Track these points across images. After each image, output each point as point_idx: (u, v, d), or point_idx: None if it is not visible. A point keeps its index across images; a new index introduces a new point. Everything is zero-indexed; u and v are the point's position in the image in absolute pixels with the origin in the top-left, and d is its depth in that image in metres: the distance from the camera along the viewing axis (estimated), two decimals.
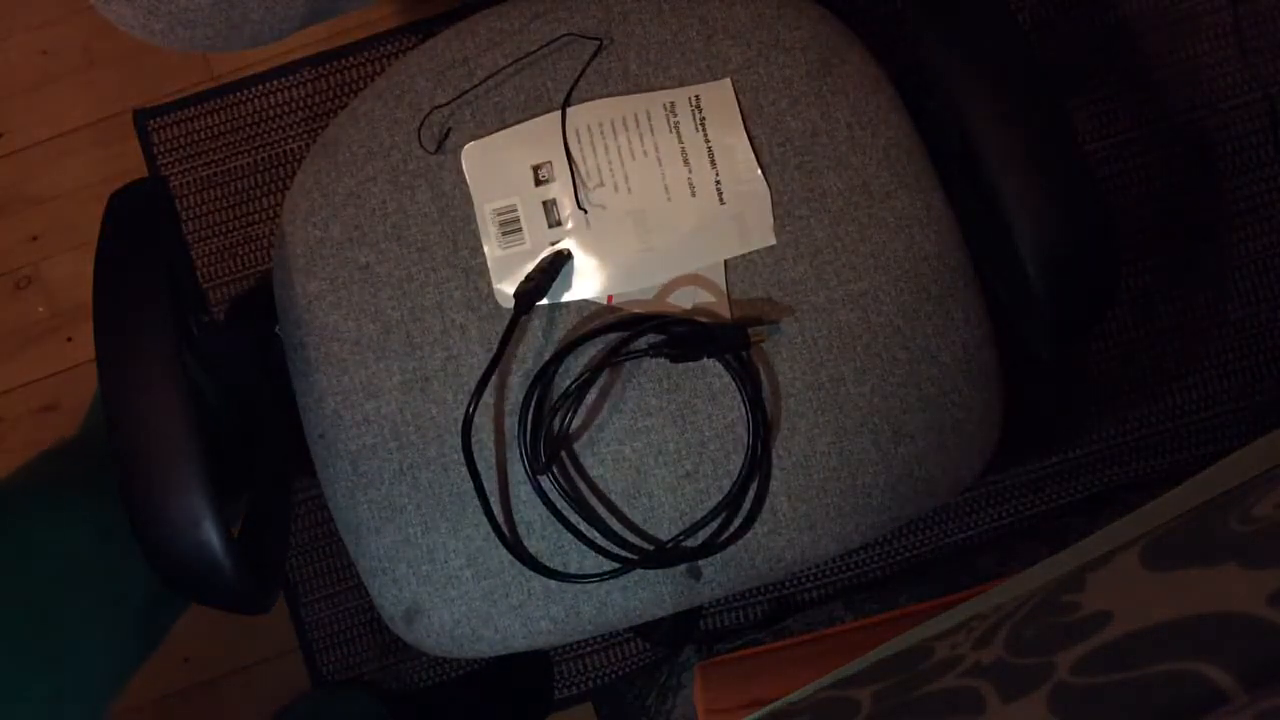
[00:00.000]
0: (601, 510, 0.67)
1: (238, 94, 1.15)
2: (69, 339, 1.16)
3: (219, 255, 1.15)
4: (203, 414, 0.59)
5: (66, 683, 0.70)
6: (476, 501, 0.66)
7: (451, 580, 0.68)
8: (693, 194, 0.68)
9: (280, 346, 0.73)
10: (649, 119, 0.69)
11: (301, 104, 1.15)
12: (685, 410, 0.67)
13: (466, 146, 0.70)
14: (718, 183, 0.68)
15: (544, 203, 0.69)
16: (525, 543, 0.68)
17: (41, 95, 1.17)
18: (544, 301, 0.68)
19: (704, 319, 0.68)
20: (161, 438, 0.58)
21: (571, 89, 0.70)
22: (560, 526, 0.67)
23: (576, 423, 0.67)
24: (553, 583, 0.67)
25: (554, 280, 0.68)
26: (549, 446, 0.67)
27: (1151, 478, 1.11)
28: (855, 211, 0.68)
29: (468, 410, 0.66)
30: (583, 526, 0.67)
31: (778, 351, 0.67)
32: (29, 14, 1.17)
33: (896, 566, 1.12)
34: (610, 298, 0.68)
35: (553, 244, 0.69)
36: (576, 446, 0.68)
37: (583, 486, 0.68)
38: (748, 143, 0.68)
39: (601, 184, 0.69)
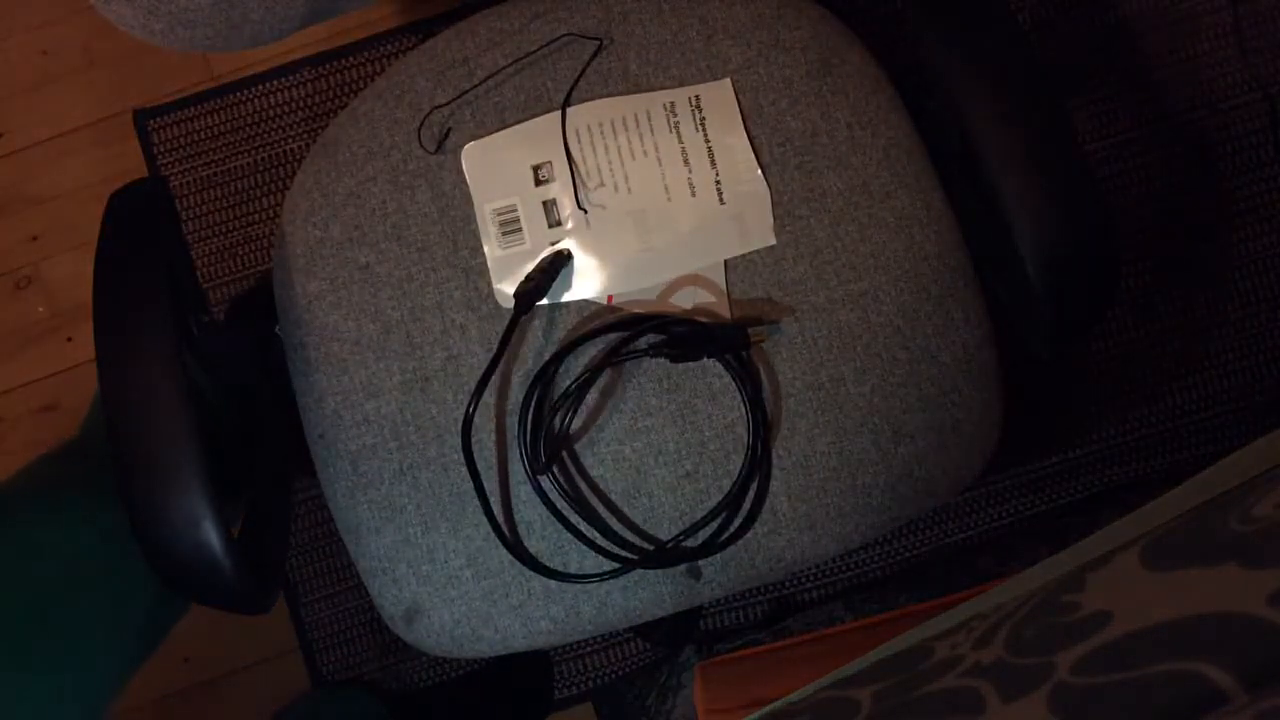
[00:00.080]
0: (601, 510, 0.67)
1: (238, 94, 1.15)
2: (69, 339, 1.16)
3: (219, 255, 1.15)
4: (203, 414, 0.59)
5: (67, 683, 0.70)
6: (476, 501, 0.66)
7: (451, 580, 0.68)
8: (693, 194, 0.68)
9: (280, 346, 0.73)
10: (649, 119, 0.69)
11: (301, 104, 1.15)
12: (685, 410, 0.67)
13: (466, 146, 0.70)
14: (718, 183, 0.68)
15: (544, 203, 0.69)
16: (525, 543, 0.68)
17: (41, 95, 1.17)
18: (544, 301, 0.68)
19: (704, 319, 0.68)
20: (161, 438, 0.58)
21: (571, 89, 0.70)
22: (560, 526, 0.67)
23: (576, 423, 0.67)
24: (553, 583, 0.67)
25: (554, 280, 0.68)
26: (549, 446, 0.67)
27: (1151, 478, 1.11)
28: (855, 211, 0.68)
29: (468, 410, 0.66)
30: (583, 526, 0.67)
31: (778, 351, 0.67)
32: (29, 14, 1.17)
33: (896, 567, 1.12)
34: (610, 298, 0.68)
35: (553, 244, 0.69)
36: (576, 446, 0.68)
37: (583, 486, 0.68)
38: (748, 143, 0.68)
39: (601, 184, 0.69)
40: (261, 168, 1.15)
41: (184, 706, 1.14)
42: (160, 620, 0.82)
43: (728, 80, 0.69)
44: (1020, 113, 0.60)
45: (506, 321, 0.66)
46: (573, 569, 0.67)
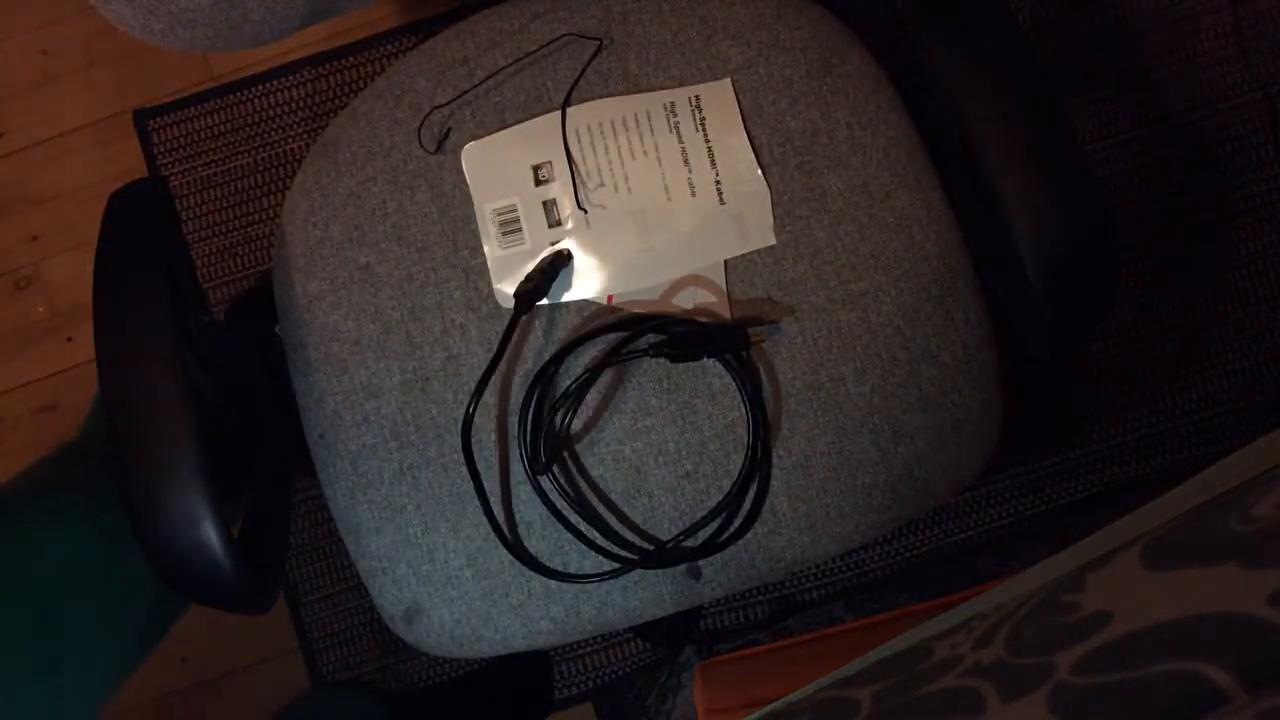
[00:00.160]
0: (601, 510, 0.67)
1: (238, 94, 1.15)
2: (69, 339, 1.16)
3: (219, 255, 1.15)
4: (203, 414, 0.59)
5: (66, 683, 0.70)
6: (476, 501, 0.66)
7: (451, 580, 0.68)
8: (693, 194, 0.68)
9: (280, 346, 0.73)
10: (649, 119, 0.69)
11: (301, 104, 1.15)
12: (685, 410, 0.67)
13: (466, 146, 0.70)
14: (718, 183, 0.68)
15: (544, 203, 0.69)
16: (525, 543, 0.68)
17: (41, 95, 1.17)
18: (544, 301, 0.68)
19: (704, 319, 0.68)
20: (161, 438, 0.58)
21: (571, 89, 0.70)
22: (560, 526, 0.67)
23: (577, 423, 0.67)
24: (553, 583, 0.67)
25: (554, 280, 0.68)
26: (549, 446, 0.67)
27: (1151, 478, 1.11)
28: (855, 211, 0.68)
29: (468, 410, 0.66)
30: (583, 526, 0.67)
31: (778, 351, 0.67)
32: (29, 14, 1.17)
33: (896, 567, 1.12)
34: (610, 298, 0.68)
35: (553, 244, 0.69)
36: (577, 446, 0.68)
37: (583, 486, 0.68)
38: (748, 143, 0.68)
39: (601, 184, 0.69)
40: (261, 168, 1.15)
41: (183, 706, 1.14)
42: (160, 620, 0.82)
43: (728, 80, 0.69)
44: (1020, 113, 0.60)
45: (506, 321, 0.66)
46: (573, 569, 0.67)
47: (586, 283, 0.68)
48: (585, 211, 0.69)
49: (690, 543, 0.67)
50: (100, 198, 0.65)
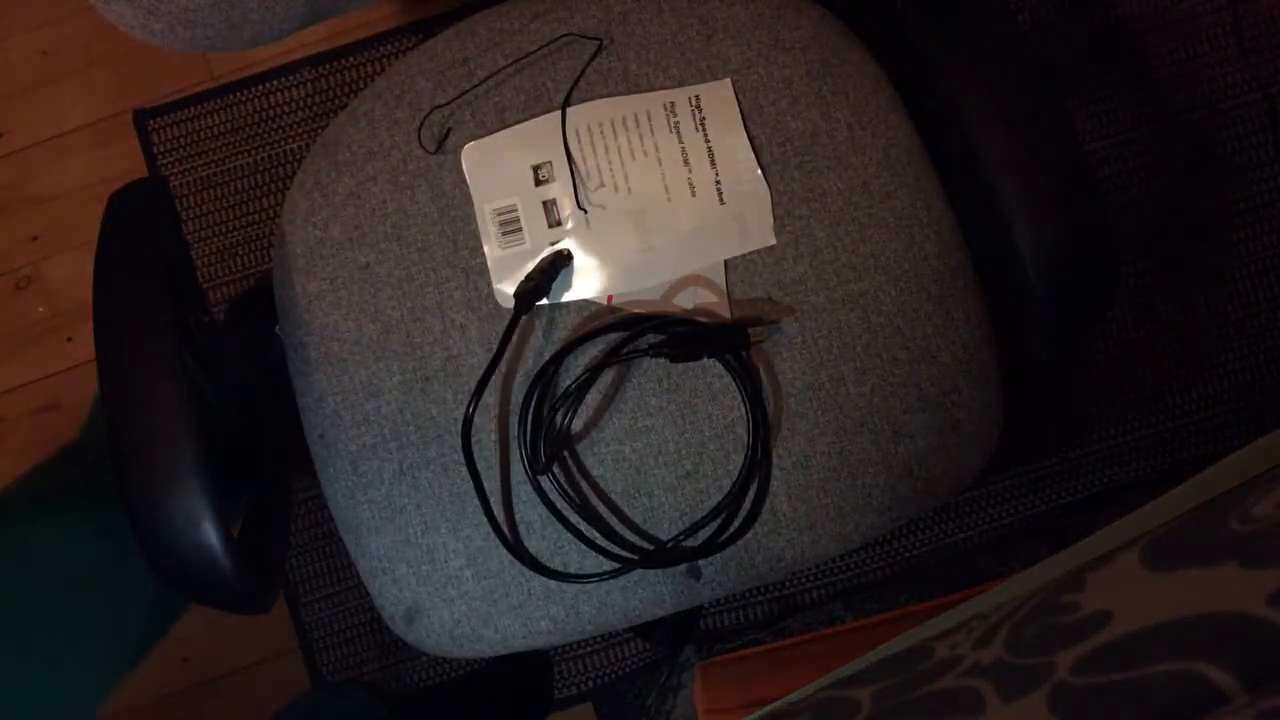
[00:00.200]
0: (601, 510, 0.67)
1: (238, 94, 1.15)
2: (69, 339, 1.16)
3: (219, 255, 1.15)
4: (203, 414, 0.59)
5: (66, 683, 0.70)
6: (476, 501, 0.66)
7: (451, 580, 0.68)
8: (693, 194, 0.68)
9: (280, 346, 0.73)
10: (649, 119, 0.69)
11: (301, 104, 1.15)
12: (685, 410, 0.67)
13: (466, 146, 0.70)
14: (718, 183, 0.68)
15: (544, 203, 0.69)
16: (525, 543, 0.68)
17: (41, 95, 1.17)
18: (544, 301, 0.68)
19: (704, 319, 0.68)
20: (161, 438, 0.58)
21: (571, 89, 0.70)
22: (560, 526, 0.67)
23: (577, 423, 0.67)
24: (553, 583, 0.67)
25: (554, 280, 0.68)
26: (549, 446, 0.67)
27: (1151, 478, 1.11)
28: (855, 211, 0.68)
29: (468, 410, 0.66)
30: (583, 526, 0.67)
31: (778, 351, 0.67)
32: (29, 14, 1.17)
33: (896, 567, 1.12)
34: (610, 298, 0.68)
35: (553, 244, 0.69)
36: (577, 446, 0.68)
37: (583, 486, 0.68)
38: (748, 143, 0.68)
39: (601, 184, 0.69)
40: (261, 168, 1.15)
41: (183, 706, 1.14)
42: (159, 620, 0.83)
43: (728, 80, 0.69)
44: (1020, 113, 0.60)
45: (506, 321, 0.66)
46: (573, 569, 0.67)
47: (586, 283, 0.68)
48: (585, 211, 0.69)
49: (690, 543, 0.67)
50: (100, 198, 0.65)
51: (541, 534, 0.67)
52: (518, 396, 0.67)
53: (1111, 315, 1.11)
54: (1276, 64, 1.10)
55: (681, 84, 0.69)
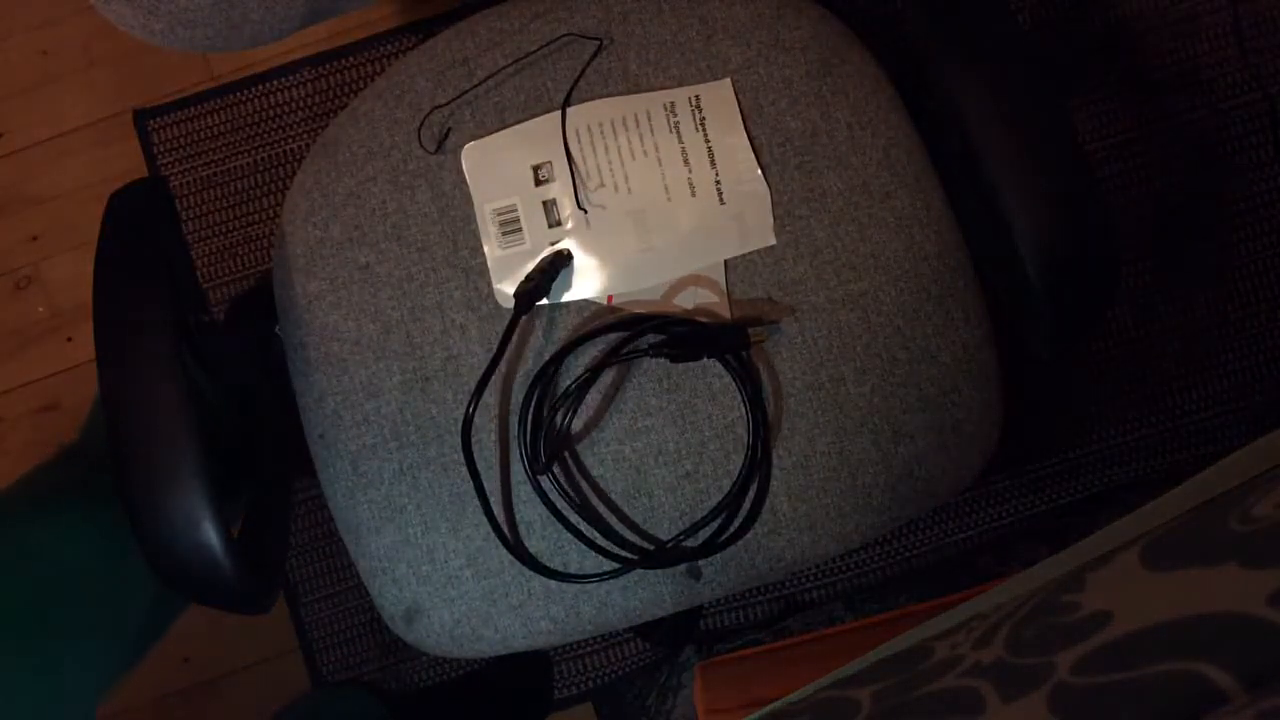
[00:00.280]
0: (601, 510, 0.67)
1: (238, 94, 1.15)
2: (69, 339, 1.16)
3: (219, 255, 1.15)
4: (203, 414, 0.59)
5: (66, 683, 0.70)
6: (476, 501, 0.66)
7: (451, 580, 0.68)
8: (693, 194, 0.68)
9: (280, 346, 0.73)
10: (649, 119, 0.69)
11: (301, 104, 1.15)
12: (685, 410, 0.67)
13: (466, 146, 0.70)
14: (718, 183, 0.68)
15: (544, 203, 0.69)
16: (525, 543, 0.68)
17: (41, 95, 1.17)
18: (544, 301, 0.68)
19: (704, 319, 0.68)
20: (161, 438, 0.58)
21: (571, 89, 0.70)
22: (560, 526, 0.67)
23: (577, 423, 0.67)
24: (553, 583, 0.67)
25: (554, 280, 0.68)
26: (549, 446, 0.67)
27: (1151, 478, 1.11)
28: (855, 211, 0.68)
29: (468, 410, 0.66)
30: (583, 526, 0.67)
31: (778, 351, 0.67)
32: (29, 14, 1.17)
33: (896, 567, 1.12)
34: (610, 298, 0.68)
35: (553, 244, 0.69)
36: (577, 446, 0.68)
37: (583, 486, 0.68)
38: (748, 143, 0.68)
39: (601, 184, 0.69)
40: (261, 168, 1.15)
41: (184, 706, 1.14)
42: (159, 620, 0.83)
43: (728, 80, 0.69)
44: (1020, 113, 0.60)
45: (506, 321, 0.66)
46: (573, 569, 0.67)
47: (586, 283, 0.68)
48: (585, 211, 0.69)
49: (690, 543, 0.67)
50: (100, 198, 0.65)
51: (541, 534, 0.67)
52: (518, 396, 0.67)
53: (1111, 315, 1.11)
54: (1276, 64, 1.10)
55: (681, 84, 0.69)
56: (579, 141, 0.69)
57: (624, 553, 0.67)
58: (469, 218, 0.69)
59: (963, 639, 0.46)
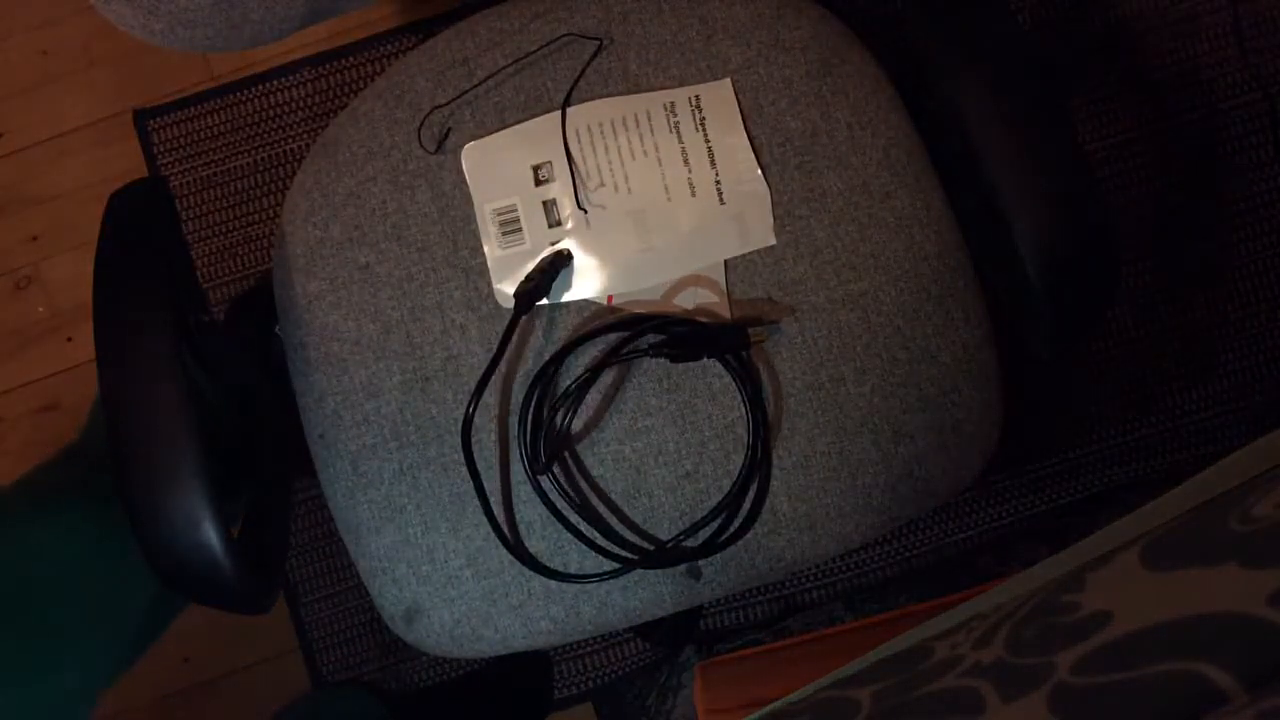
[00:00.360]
0: (601, 510, 0.67)
1: (238, 94, 1.15)
2: (69, 339, 1.16)
3: (219, 255, 1.15)
4: (203, 414, 0.59)
5: (65, 682, 0.70)
6: (476, 501, 0.66)
7: (451, 580, 0.68)
8: (693, 194, 0.68)
9: (280, 346, 0.73)
10: (649, 119, 0.69)
11: (301, 104, 1.15)
12: (685, 410, 0.67)
13: (466, 146, 0.70)
14: (718, 183, 0.68)
15: (544, 203, 0.69)
16: (525, 543, 0.68)
17: (41, 95, 1.17)
18: (544, 301, 0.68)
19: (704, 319, 0.68)
20: (161, 438, 0.58)
21: (571, 89, 0.70)
22: (560, 526, 0.67)
23: (577, 423, 0.67)
24: (553, 583, 0.67)
25: (554, 280, 0.68)
26: (549, 446, 0.67)
27: (1151, 478, 1.11)
28: (855, 211, 0.68)
29: (468, 410, 0.66)
30: (583, 526, 0.67)
31: (778, 351, 0.67)
32: (29, 14, 1.17)
33: (896, 567, 1.12)
34: (610, 298, 0.68)
35: (553, 244, 0.69)
36: (577, 446, 0.68)
37: (583, 486, 0.68)
38: (748, 143, 0.68)
39: (601, 184, 0.69)
40: (261, 168, 1.15)
41: (184, 706, 1.14)
42: (158, 619, 0.83)
43: (728, 80, 0.69)
44: (1020, 113, 0.60)
45: (506, 321, 0.66)
46: (573, 569, 0.67)
47: (586, 283, 0.68)
48: (585, 211, 0.69)
49: (690, 543, 0.67)
50: (100, 198, 0.65)
51: (541, 534, 0.67)
52: (518, 396, 0.67)
53: (1111, 315, 1.11)
54: (1276, 64, 1.10)
55: (681, 84, 0.69)
56: (579, 141, 0.69)
57: (624, 553, 0.67)
58: (469, 218, 0.69)
59: (963, 639, 0.46)
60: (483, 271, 0.69)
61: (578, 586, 0.68)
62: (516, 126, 0.70)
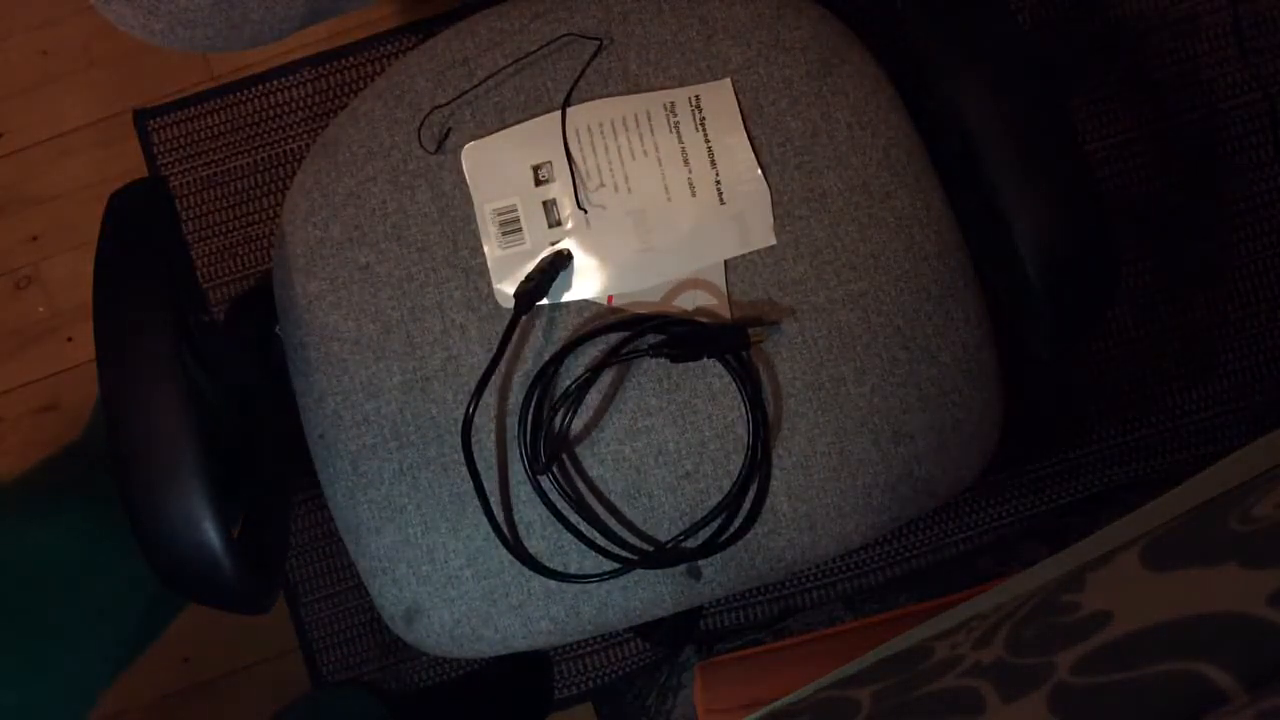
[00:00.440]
0: (601, 510, 0.67)
1: (238, 94, 1.15)
2: (69, 339, 1.16)
3: (219, 255, 1.15)
4: (203, 414, 0.59)
5: (64, 682, 0.70)
6: (476, 501, 0.66)
7: (451, 580, 0.68)
8: (693, 194, 0.68)
9: (280, 346, 0.73)
10: (649, 119, 0.69)
11: (301, 104, 1.15)
12: (685, 410, 0.67)
13: (466, 146, 0.70)
14: (718, 183, 0.68)
15: (544, 203, 0.69)
16: (525, 543, 0.68)
17: (41, 95, 1.17)
18: (544, 301, 0.68)
19: (704, 319, 0.68)
20: (161, 438, 0.58)
21: (571, 89, 0.70)
22: (560, 526, 0.67)
23: (577, 423, 0.67)
24: (553, 583, 0.67)
25: (554, 280, 0.68)
26: (549, 446, 0.67)
27: (1151, 478, 1.11)
28: (855, 211, 0.68)
29: (468, 410, 0.66)
30: (583, 526, 0.67)
31: (778, 351, 0.67)
32: (29, 14, 1.17)
33: (896, 567, 1.12)
34: (610, 298, 0.68)
35: (553, 244, 0.69)
36: (577, 447, 0.68)
37: (583, 486, 0.68)
38: (748, 143, 0.68)
39: (601, 184, 0.69)
40: (261, 168, 1.15)
41: (184, 706, 1.14)
42: (158, 619, 0.83)
43: (728, 80, 0.69)
44: (1020, 113, 0.60)
45: (506, 321, 0.66)
46: (573, 569, 0.67)
47: (586, 283, 0.68)
48: (585, 211, 0.69)
49: (690, 543, 0.67)
50: (100, 198, 0.65)
51: (541, 534, 0.67)
52: (517, 397, 0.67)
53: (1111, 315, 1.11)
54: (1276, 64, 1.10)
55: (681, 84, 0.69)
56: (579, 141, 0.69)
57: (624, 553, 0.67)
58: (469, 218, 0.69)
59: (963, 639, 0.46)
60: (483, 271, 0.69)
61: (578, 586, 0.68)
62: (516, 126, 0.70)
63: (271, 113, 1.15)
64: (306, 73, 1.15)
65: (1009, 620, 0.43)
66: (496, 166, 0.69)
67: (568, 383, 0.67)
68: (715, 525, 0.67)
